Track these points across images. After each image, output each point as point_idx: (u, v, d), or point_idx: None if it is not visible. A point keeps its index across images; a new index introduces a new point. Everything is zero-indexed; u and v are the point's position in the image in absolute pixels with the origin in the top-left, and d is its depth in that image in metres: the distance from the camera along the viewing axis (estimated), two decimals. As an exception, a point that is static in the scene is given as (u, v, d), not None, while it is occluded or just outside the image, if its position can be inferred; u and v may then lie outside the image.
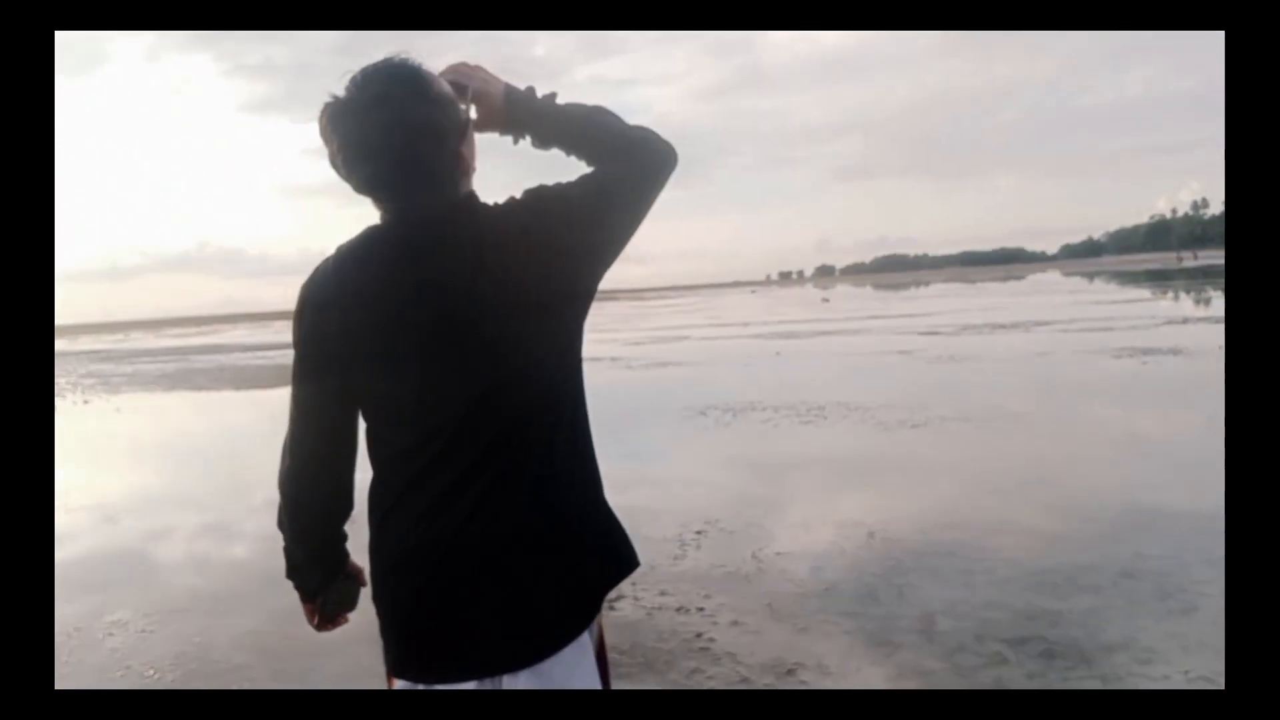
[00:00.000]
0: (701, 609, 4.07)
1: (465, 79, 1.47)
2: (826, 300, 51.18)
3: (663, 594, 4.30)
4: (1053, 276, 77.15)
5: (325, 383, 1.42)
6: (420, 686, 1.39)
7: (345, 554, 1.58)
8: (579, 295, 1.46)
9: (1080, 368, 12.41)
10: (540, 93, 1.52)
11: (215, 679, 3.61)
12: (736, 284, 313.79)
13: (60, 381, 22.31)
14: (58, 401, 16.75)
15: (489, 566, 1.36)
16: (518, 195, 1.44)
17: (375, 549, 1.43)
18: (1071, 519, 5.13)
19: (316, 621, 1.60)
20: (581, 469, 1.48)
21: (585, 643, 1.43)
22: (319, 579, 1.55)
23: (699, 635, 3.75)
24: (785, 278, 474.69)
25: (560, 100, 1.54)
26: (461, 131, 1.42)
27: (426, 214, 1.39)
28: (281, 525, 1.53)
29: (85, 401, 16.52)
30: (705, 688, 3.27)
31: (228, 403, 15.18)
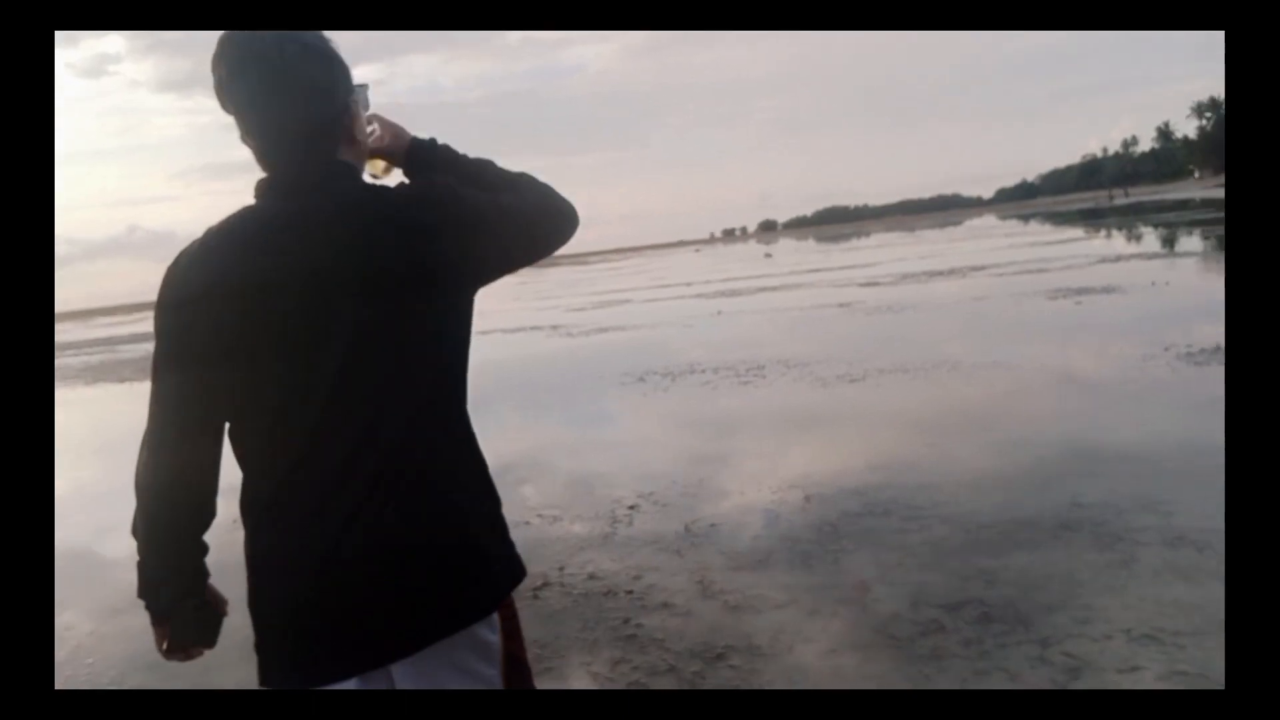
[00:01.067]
0: (630, 591, 3.87)
1: (381, 121, 1.56)
2: (769, 255, 51.25)
3: (591, 577, 4.10)
4: (988, 220, 78.36)
5: (188, 377, 1.34)
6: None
7: (204, 572, 1.46)
8: (449, 287, 1.39)
9: (1016, 311, 12.45)
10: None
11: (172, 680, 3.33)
12: (681, 243, 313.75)
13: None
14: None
15: (370, 570, 1.30)
16: (420, 189, 1.44)
17: (250, 555, 1.36)
18: (1008, 468, 5.03)
19: (165, 647, 1.47)
20: (467, 469, 1.42)
21: (480, 637, 1.37)
22: (171, 596, 1.42)
23: (626, 621, 3.56)
24: (729, 234, 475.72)
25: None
26: (348, 91, 1.42)
27: (303, 172, 1.36)
28: (135, 533, 1.41)
29: (1, 402, 15.77)
30: (632, 678, 3.08)
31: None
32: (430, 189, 1.42)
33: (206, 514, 1.43)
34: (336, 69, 1.40)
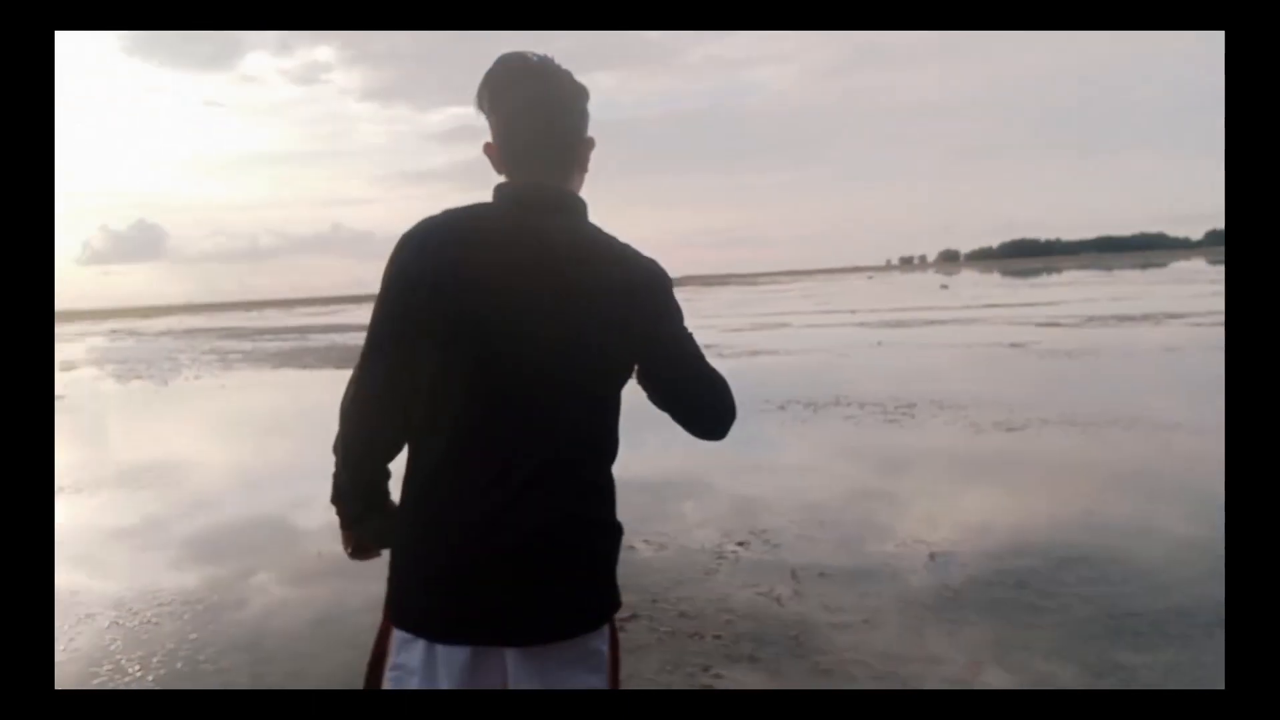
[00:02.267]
0: (719, 636, 3.64)
1: None
2: (945, 287, 49.14)
3: (682, 615, 3.89)
4: (1197, 265, 71.97)
5: (398, 332, 1.45)
6: (420, 641, 1.45)
7: (387, 492, 1.61)
8: (629, 348, 1.52)
9: (1212, 367, 11.22)
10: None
11: (350, 640, 3.55)
12: (855, 269, 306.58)
13: (182, 358, 23.47)
14: (174, 377, 17.54)
15: (515, 555, 1.41)
16: (654, 267, 1.56)
17: (413, 510, 1.48)
18: (1172, 549, 4.43)
19: (350, 550, 1.65)
20: (610, 489, 1.56)
21: (593, 646, 1.49)
22: (359, 510, 1.59)
23: (706, 669, 3.33)
24: (906, 263, 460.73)
25: None
26: (585, 138, 1.56)
27: (544, 190, 1.49)
28: (336, 451, 1.56)
29: (197, 377, 17.21)
30: None
31: (325, 382, 15.50)
32: (661, 276, 1.56)
33: (393, 446, 1.54)
34: (583, 101, 1.55)
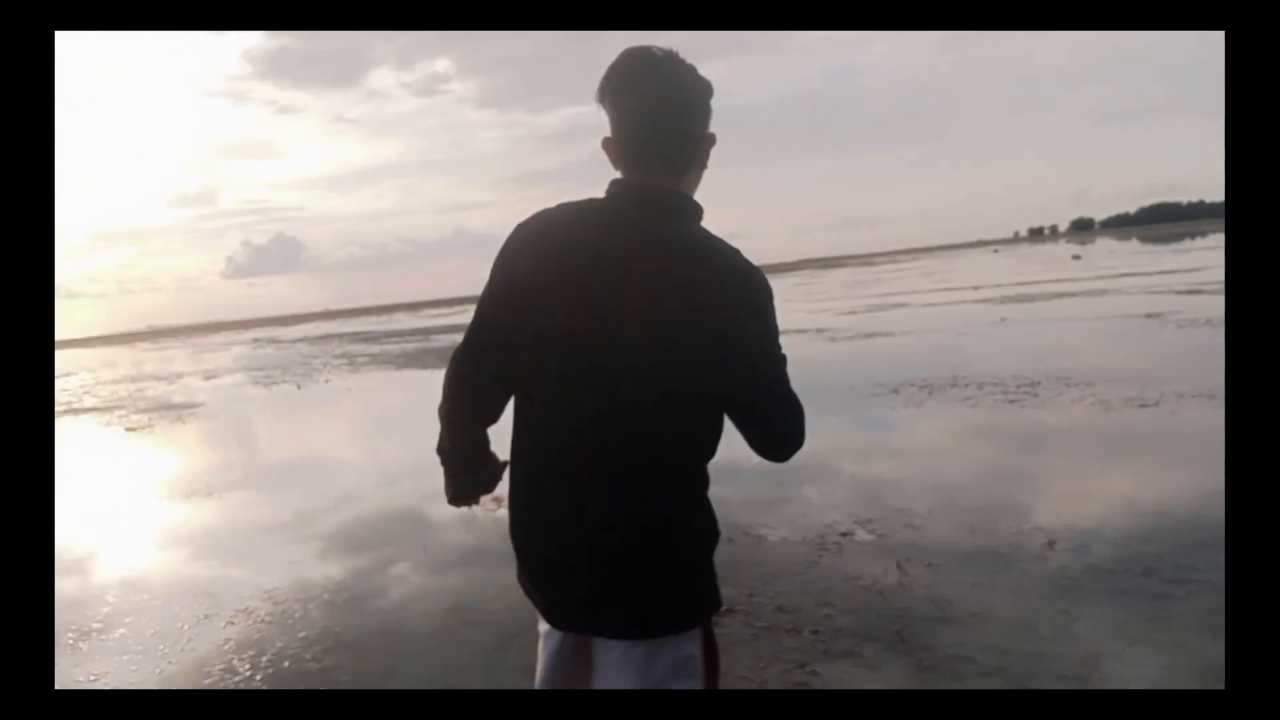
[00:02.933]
0: (816, 631, 3.54)
1: None
2: (1078, 258, 46.66)
3: (780, 609, 3.80)
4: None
5: (495, 318, 1.52)
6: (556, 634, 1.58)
7: (484, 447, 1.71)
8: (704, 388, 1.48)
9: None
10: None
11: (481, 626, 3.78)
12: (980, 243, 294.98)
13: (315, 362, 24.66)
14: (308, 381, 18.46)
15: (606, 545, 1.45)
16: (757, 283, 1.50)
17: (518, 487, 1.56)
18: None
19: (450, 496, 1.75)
20: (700, 497, 1.55)
21: (685, 651, 1.51)
22: (455, 467, 1.71)
23: (802, 665, 3.24)
24: (1036, 234, 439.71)
25: None
26: (707, 135, 1.53)
27: (653, 190, 1.47)
28: (440, 413, 1.67)
29: (327, 381, 18.05)
30: None
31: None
32: (761, 288, 1.50)
33: (484, 418, 1.65)
34: (708, 107, 1.52)
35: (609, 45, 1.49)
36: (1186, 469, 5.41)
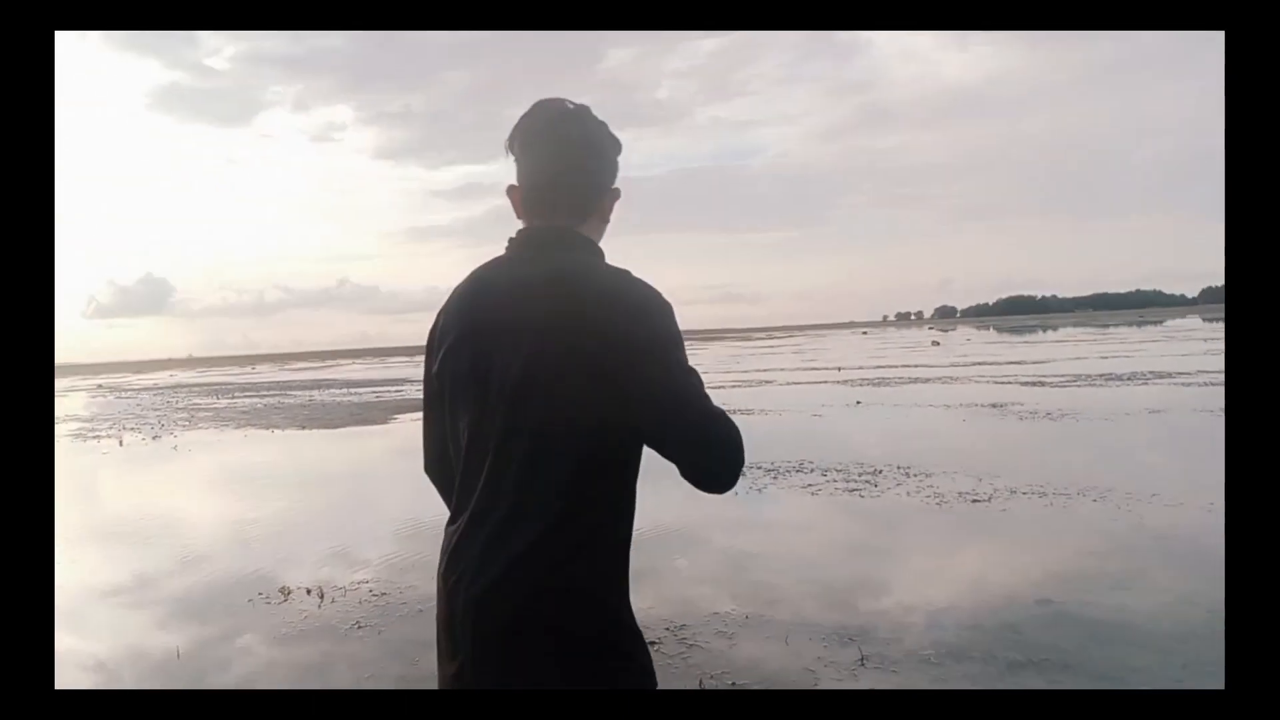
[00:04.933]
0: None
1: None
2: (937, 344, 48.83)
3: None
4: (1192, 322, 71.93)
5: (431, 394, 1.54)
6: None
7: None
8: (618, 390, 1.35)
9: (1196, 430, 10.73)
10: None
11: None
12: (851, 324, 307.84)
13: (150, 415, 22.94)
14: (132, 436, 17.00)
15: (486, 611, 1.36)
16: (642, 295, 1.40)
17: (441, 558, 1.48)
18: (1132, 651, 3.89)
19: None
20: (595, 562, 1.39)
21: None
22: None
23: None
24: (903, 319, 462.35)
25: None
26: (608, 187, 1.52)
27: (545, 233, 1.46)
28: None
29: (155, 437, 16.68)
30: None
31: (279, 445, 14.97)
32: (657, 307, 1.39)
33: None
34: (614, 158, 1.52)
35: (512, 107, 1.61)
36: (1013, 573, 5.28)
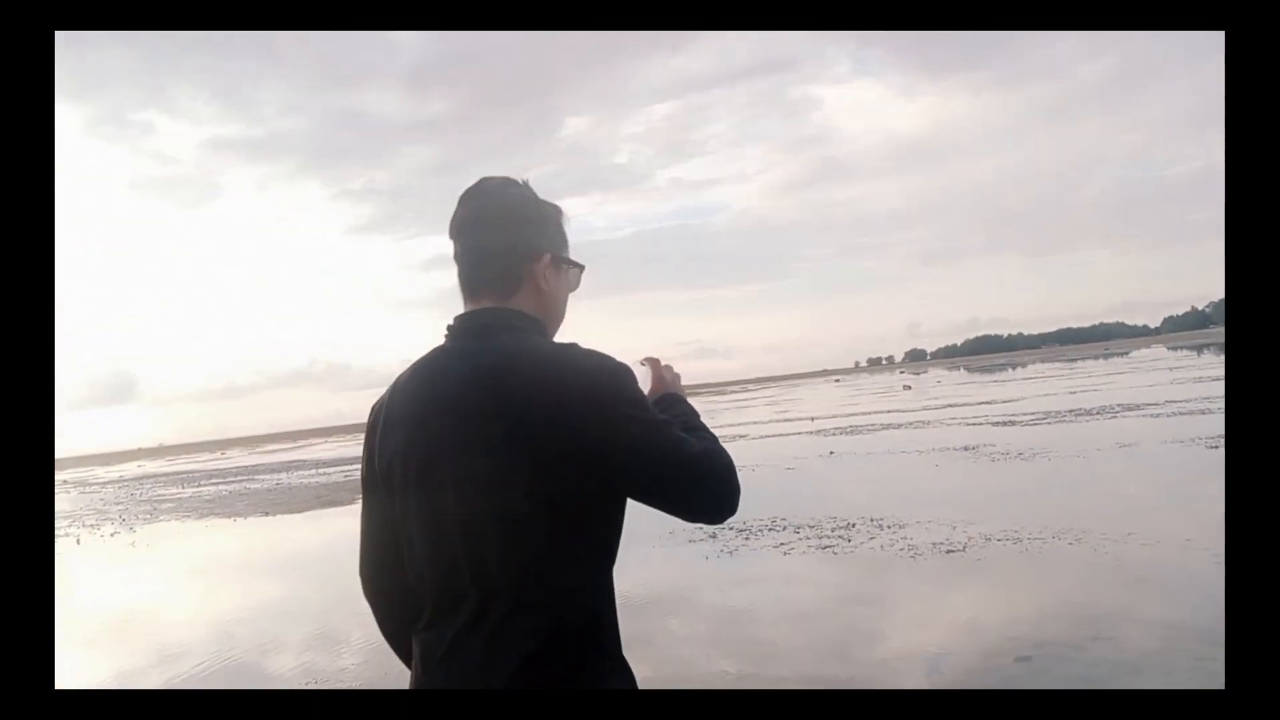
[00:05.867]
0: None
1: (655, 367, 1.58)
2: (908, 388, 49.07)
3: None
4: (1157, 351, 73.02)
5: (367, 501, 1.50)
6: None
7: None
8: (579, 469, 1.29)
9: (1168, 463, 10.68)
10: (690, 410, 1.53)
11: None
12: (824, 373, 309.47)
13: (112, 509, 22.31)
14: (87, 534, 16.46)
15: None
16: (590, 368, 1.33)
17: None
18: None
19: None
20: (570, 654, 1.31)
21: None
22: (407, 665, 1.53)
23: None
24: (875, 364, 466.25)
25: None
26: (534, 254, 1.45)
27: (472, 317, 1.43)
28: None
29: (113, 534, 16.16)
30: None
31: (240, 533, 14.53)
32: (603, 373, 1.33)
33: (404, 613, 1.46)
34: (542, 224, 1.47)
35: (473, 179, 1.50)
36: (988, 630, 5.09)
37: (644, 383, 1.52)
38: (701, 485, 1.32)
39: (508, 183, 1.46)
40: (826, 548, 7.78)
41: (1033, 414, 20.29)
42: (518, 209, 1.45)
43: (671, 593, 6.71)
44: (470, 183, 1.49)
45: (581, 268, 1.52)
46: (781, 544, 8.15)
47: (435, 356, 1.43)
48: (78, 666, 6.55)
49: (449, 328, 1.45)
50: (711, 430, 1.44)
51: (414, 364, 1.46)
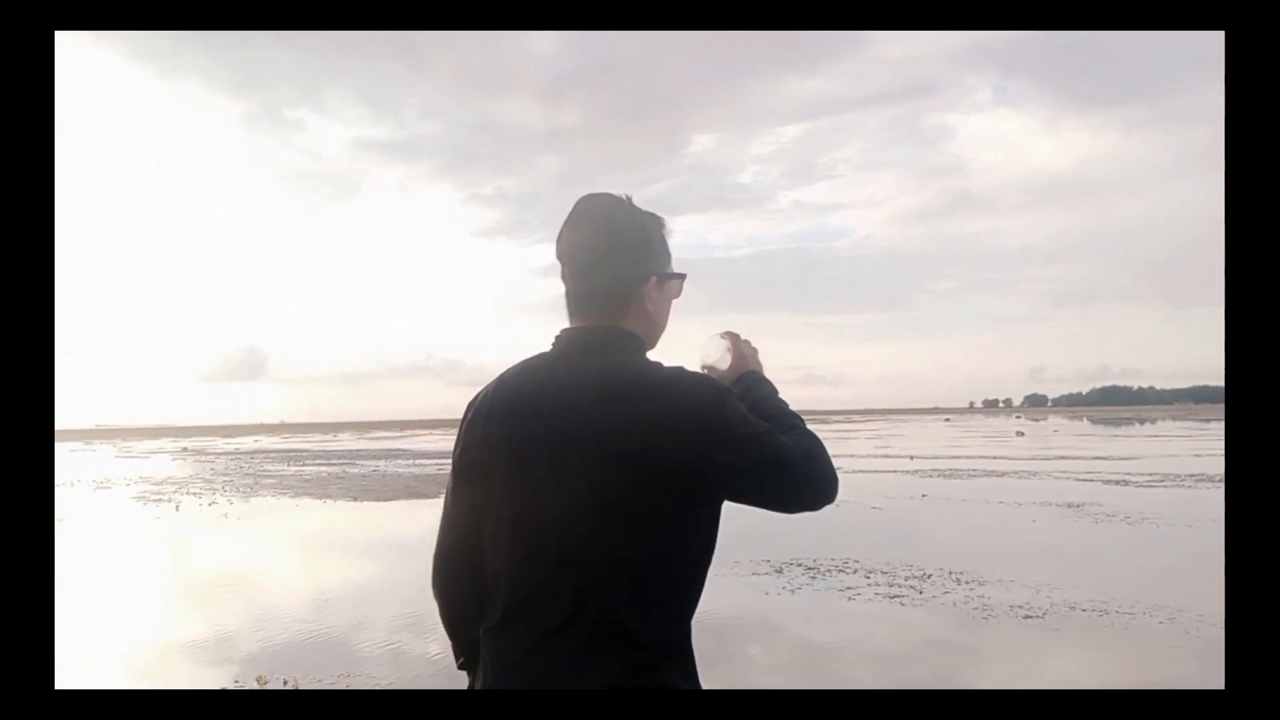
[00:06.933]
0: None
1: (735, 342, 1.62)
2: (1021, 434, 46.94)
3: None
4: (1302, 418, 67.69)
5: (458, 489, 1.50)
6: None
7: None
8: (683, 486, 1.34)
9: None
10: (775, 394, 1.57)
11: None
12: (936, 410, 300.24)
13: (219, 480, 23.40)
14: (189, 501, 17.27)
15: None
16: (699, 382, 1.39)
17: (483, 651, 1.46)
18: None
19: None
20: (660, 659, 1.36)
21: None
22: (462, 662, 1.58)
23: None
24: (990, 406, 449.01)
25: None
26: (641, 280, 1.47)
27: (584, 333, 1.46)
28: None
29: (212, 503, 16.89)
30: None
31: (324, 518, 14.94)
32: (705, 397, 1.36)
33: (475, 612, 1.47)
34: (647, 246, 1.49)
35: (599, 190, 1.51)
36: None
37: (722, 357, 1.59)
38: (804, 489, 1.38)
39: (614, 204, 1.47)
40: (895, 597, 7.36)
41: (1150, 475, 18.99)
42: (624, 236, 1.46)
43: (713, 623, 6.44)
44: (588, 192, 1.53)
45: (683, 277, 1.55)
46: (848, 588, 7.77)
47: (547, 362, 1.46)
48: (145, 625, 6.77)
49: (556, 339, 1.48)
50: (794, 412, 1.49)
51: (520, 365, 1.49)
